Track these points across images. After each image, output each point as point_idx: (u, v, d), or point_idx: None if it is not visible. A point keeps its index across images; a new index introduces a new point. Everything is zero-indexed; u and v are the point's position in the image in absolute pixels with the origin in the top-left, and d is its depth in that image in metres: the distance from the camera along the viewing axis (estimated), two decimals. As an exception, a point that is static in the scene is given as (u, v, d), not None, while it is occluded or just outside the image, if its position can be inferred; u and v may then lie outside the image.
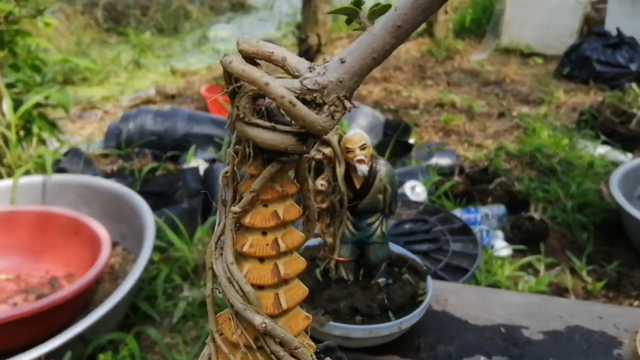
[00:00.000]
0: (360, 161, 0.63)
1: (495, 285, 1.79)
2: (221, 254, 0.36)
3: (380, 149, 2.25)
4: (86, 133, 2.93)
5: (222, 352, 0.38)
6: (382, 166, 0.66)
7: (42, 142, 2.07)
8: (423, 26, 4.71)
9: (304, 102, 0.31)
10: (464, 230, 1.42)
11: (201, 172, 2.15)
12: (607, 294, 1.84)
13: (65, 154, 2.12)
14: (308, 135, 0.32)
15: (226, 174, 0.36)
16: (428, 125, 3.07)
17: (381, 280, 0.72)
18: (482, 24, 4.75)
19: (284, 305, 0.37)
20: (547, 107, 3.26)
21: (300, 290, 0.40)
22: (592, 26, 4.17)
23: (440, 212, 1.52)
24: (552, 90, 3.48)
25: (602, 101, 3.01)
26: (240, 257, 0.37)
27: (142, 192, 1.91)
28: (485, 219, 2.04)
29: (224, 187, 0.36)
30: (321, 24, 2.64)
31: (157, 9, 5.92)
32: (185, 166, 2.22)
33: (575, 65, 3.70)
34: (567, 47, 3.88)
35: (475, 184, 2.23)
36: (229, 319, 0.37)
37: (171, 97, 3.47)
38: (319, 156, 0.61)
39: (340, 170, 0.63)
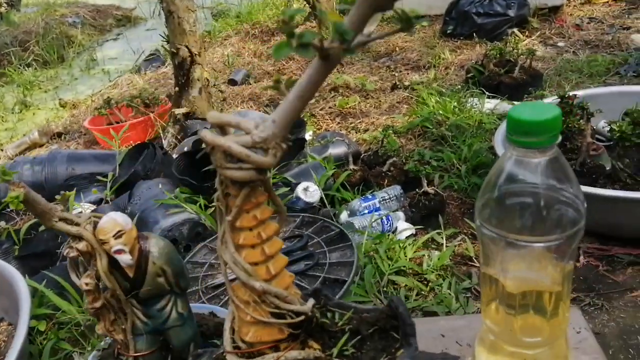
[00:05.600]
0: (119, 252, 0.57)
1: (400, 271, 1.77)
2: (226, 247, 0.54)
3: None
4: (-31, 195, 2.73)
5: (240, 308, 0.56)
6: (154, 247, 0.59)
7: None
8: (308, 10, 4.66)
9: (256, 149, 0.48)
10: (341, 237, 1.38)
11: (88, 217, 2.03)
12: (510, 252, 1.86)
13: None
14: (263, 169, 0.50)
15: (217, 198, 0.53)
16: (324, 112, 3.04)
17: (197, 361, 0.66)
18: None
19: (273, 272, 0.55)
20: (435, 70, 3.27)
21: (282, 260, 0.57)
22: (469, -21, 4.21)
23: (317, 221, 1.48)
24: (439, 52, 3.50)
25: (485, 54, 3.03)
26: (239, 247, 0.54)
27: (21, 257, 1.80)
28: (384, 203, 2.03)
29: (218, 205, 0.53)
30: (189, 34, 2.54)
31: (37, 40, 5.61)
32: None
33: (457, 22, 3.73)
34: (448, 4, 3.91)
35: (371, 169, 2.21)
36: (240, 286, 0.55)
37: (58, 136, 3.29)
38: (72, 254, 0.54)
39: (101, 263, 0.56)
